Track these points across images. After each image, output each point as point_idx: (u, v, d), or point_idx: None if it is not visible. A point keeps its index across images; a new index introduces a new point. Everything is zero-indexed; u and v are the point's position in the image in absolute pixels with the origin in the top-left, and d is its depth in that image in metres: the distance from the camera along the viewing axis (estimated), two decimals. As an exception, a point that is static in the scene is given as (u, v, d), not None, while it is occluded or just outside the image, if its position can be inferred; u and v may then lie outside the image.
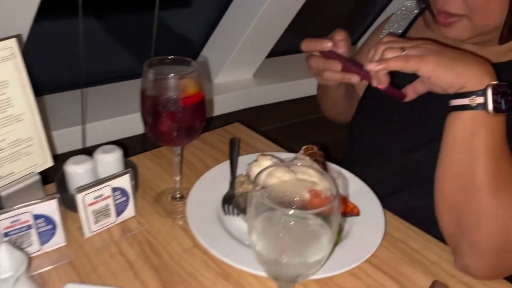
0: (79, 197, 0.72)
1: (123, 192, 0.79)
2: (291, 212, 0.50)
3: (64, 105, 1.27)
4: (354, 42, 1.03)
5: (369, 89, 1.02)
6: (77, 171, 0.81)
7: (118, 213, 0.79)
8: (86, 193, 0.73)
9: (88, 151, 0.86)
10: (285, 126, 1.69)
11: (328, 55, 0.75)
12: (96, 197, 0.75)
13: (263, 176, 0.56)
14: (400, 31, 1.00)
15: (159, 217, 0.83)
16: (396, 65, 0.65)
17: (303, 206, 0.60)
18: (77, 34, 0.86)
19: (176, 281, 0.69)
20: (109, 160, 0.85)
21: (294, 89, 1.61)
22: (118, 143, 0.90)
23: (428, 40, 0.70)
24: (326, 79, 0.77)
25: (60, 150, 1.19)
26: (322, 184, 0.57)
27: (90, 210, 0.75)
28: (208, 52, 1.60)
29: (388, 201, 0.86)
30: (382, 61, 0.66)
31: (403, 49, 0.66)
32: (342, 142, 1.10)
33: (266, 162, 0.84)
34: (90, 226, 0.76)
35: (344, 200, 0.82)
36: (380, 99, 0.94)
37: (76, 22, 1.02)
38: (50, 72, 1.28)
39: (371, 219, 0.81)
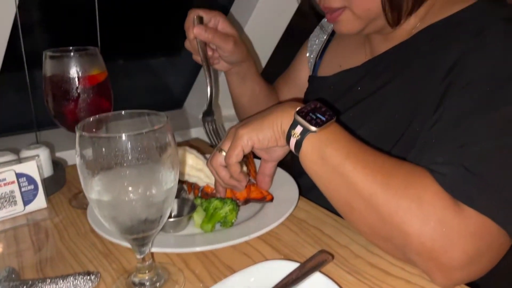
0: (-24, 178, 0.73)
1: (30, 179, 0.79)
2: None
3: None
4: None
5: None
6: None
7: (26, 202, 0.79)
8: (-15, 174, 0.74)
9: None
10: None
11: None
12: (-3, 181, 0.75)
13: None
14: (321, 44, 1.00)
15: (70, 208, 0.81)
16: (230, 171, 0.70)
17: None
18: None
19: (54, 257, 0.66)
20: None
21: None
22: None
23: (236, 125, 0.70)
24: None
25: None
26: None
27: (-8, 194, 0.75)
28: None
29: None
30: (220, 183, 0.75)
31: (221, 150, 0.70)
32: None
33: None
34: (-8, 212, 0.76)
35: (258, 189, 0.78)
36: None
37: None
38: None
39: (282, 204, 0.75)
